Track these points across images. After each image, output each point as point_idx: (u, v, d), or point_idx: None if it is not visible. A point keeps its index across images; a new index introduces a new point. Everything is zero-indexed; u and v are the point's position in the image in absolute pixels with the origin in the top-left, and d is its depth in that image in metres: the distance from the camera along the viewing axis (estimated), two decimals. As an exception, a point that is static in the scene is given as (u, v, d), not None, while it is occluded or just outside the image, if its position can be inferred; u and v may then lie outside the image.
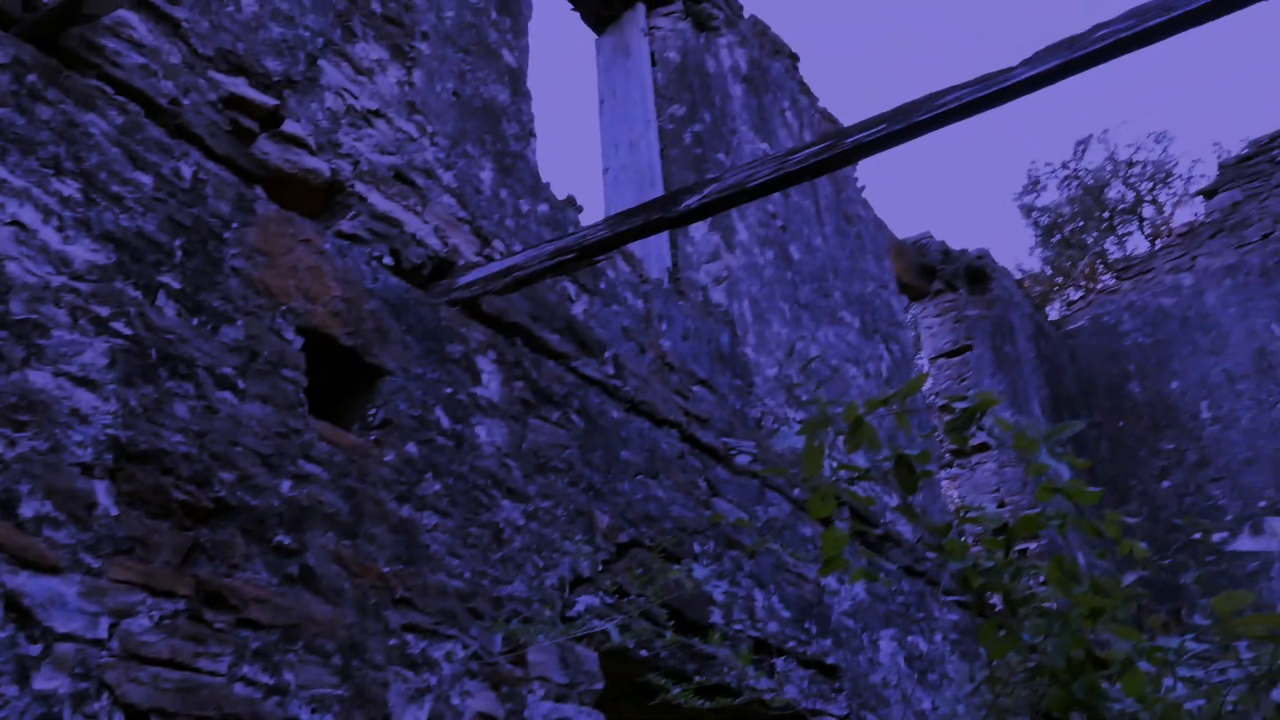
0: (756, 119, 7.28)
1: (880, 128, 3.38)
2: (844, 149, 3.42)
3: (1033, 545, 8.29)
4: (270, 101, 3.47)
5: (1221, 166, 11.70)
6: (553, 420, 4.09)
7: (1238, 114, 33.60)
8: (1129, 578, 2.29)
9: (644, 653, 3.88)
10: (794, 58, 8.28)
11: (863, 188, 8.43)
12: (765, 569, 4.95)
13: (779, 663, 4.73)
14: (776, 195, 7.02)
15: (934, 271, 9.67)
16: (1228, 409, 10.34)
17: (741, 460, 5.18)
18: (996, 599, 2.39)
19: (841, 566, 2.40)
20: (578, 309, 4.69)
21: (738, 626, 4.55)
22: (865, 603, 5.67)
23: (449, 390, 3.66)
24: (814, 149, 3.45)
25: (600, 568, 3.97)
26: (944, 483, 12.21)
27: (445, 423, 3.58)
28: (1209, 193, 11.60)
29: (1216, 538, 9.14)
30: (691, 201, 3.59)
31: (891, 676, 5.49)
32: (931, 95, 3.35)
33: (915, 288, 9.81)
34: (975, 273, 9.77)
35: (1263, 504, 9.86)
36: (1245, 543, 8.72)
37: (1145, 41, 3.14)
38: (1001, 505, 8.85)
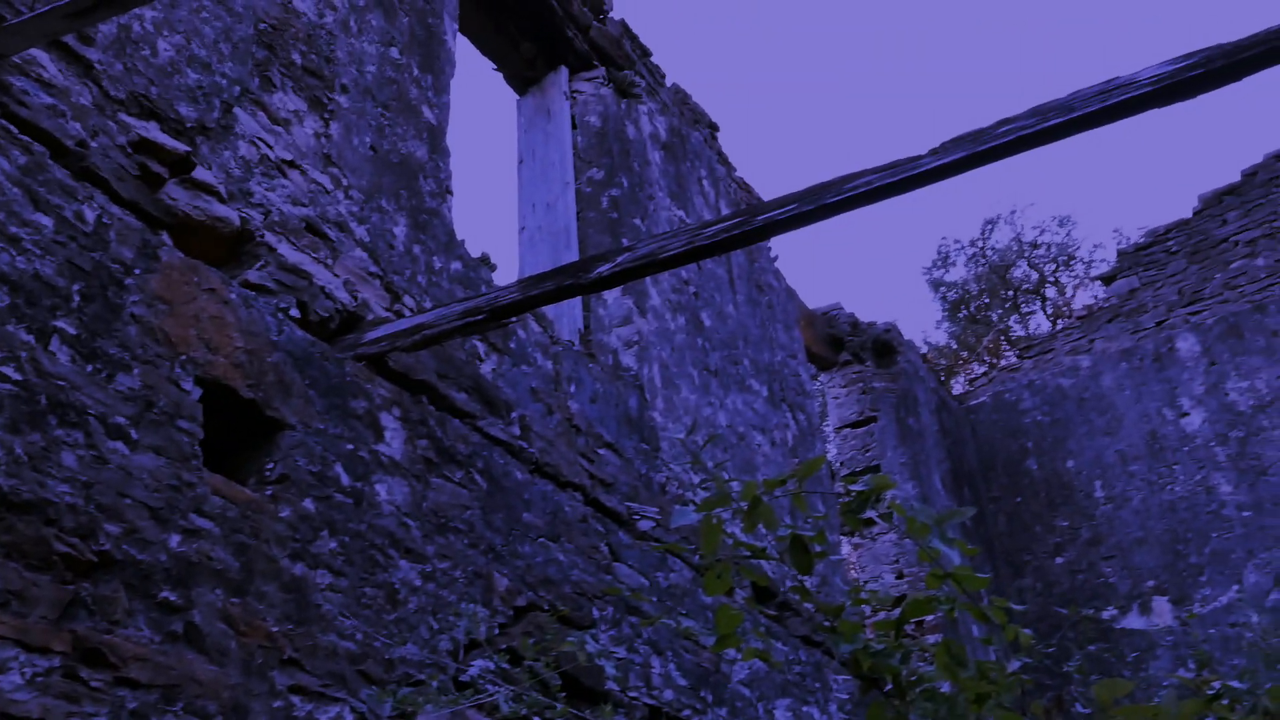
0: (674, 186, 7.37)
1: (791, 207, 3.45)
2: (755, 226, 3.48)
3: (933, 633, 8.39)
4: (182, 147, 3.43)
5: (1120, 254, 12.11)
6: (455, 480, 4.05)
7: (1140, 202, 34.84)
8: (1013, 664, 2.33)
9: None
10: (714, 127, 8.41)
11: (775, 257, 8.56)
12: (664, 635, 4.94)
13: (673, 732, 4.70)
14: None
15: (842, 343, 9.83)
16: (1120, 489, 10.62)
17: (644, 526, 5.18)
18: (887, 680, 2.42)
19: (735, 644, 2.41)
20: (486, 368, 4.68)
21: (633, 694, 4.53)
22: (762, 672, 5.68)
23: (350, 446, 3.61)
24: (725, 224, 3.50)
25: (497, 631, 3.93)
26: (846, 549, 12.33)
27: (345, 479, 3.53)
28: (1108, 278, 11.98)
29: (1106, 615, 9.42)
30: (604, 269, 3.62)
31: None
32: (842, 178, 3.43)
33: (824, 358, 9.95)
34: (882, 345, 9.95)
35: (1151, 584, 10.12)
36: (1134, 621, 9.03)
37: (1045, 140, 3.26)
38: (900, 576, 8.96)
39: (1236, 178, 11.43)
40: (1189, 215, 11.65)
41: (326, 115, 4.21)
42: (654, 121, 7.41)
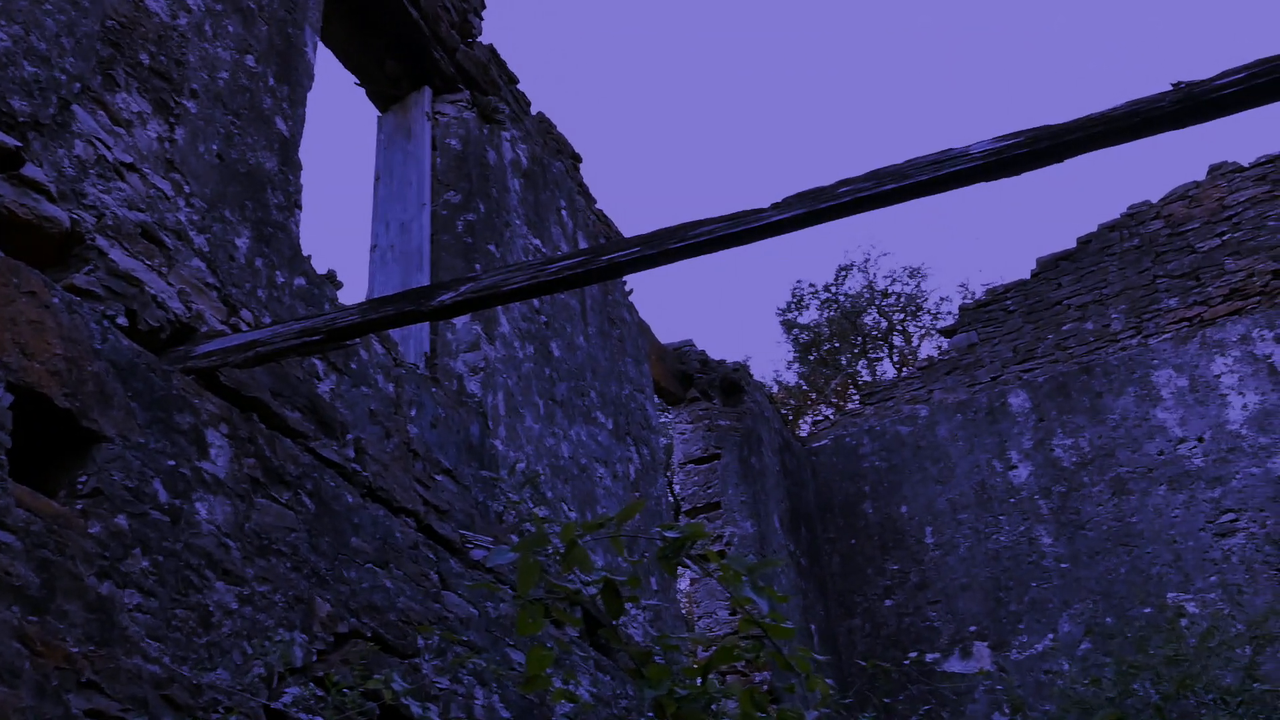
0: (532, 214, 7.39)
1: (635, 250, 3.50)
2: (598, 266, 3.51)
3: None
4: (12, 142, 3.30)
5: (962, 309, 12.57)
6: (282, 501, 3.97)
7: (990, 258, 36.20)
8: (811, 715, 2.39)
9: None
10: (576, 158, 8.47)
11: (630, 291, 8.64)
12: (491, 666, 4.91)
13: (492, 764, 4.67)
14: (544, 291, 7.10)
15: (692, 379, 9.96)
16: (949, 536, 10.98)
17: (478, 555, 5.15)
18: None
19: (544, 685, 2.42)
20: (324, 387, 4.60)
21: (453, 725, 4.48)
22: (587, 706, 5.68)
23: (171, 462, 3.51)
24: (569, 262, 3.53)
25: (315, 658, 3.85)
26: (684, 584, 12.44)
27: (163, 496, 3.43)
28: (949, 332, 12.42)
29: (930, 658, 9.71)
30: (446, 298, 3.61)
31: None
32: (686, 225, 3.49)
33: (673, 394, 10.07)
34: (730, 385, 10.11)
35: (973, 629, 10.48)
36: (955, 665, 9.32)
37: (881, 203, 3.38)
38: (734, 613, 9.08)
39: (1073, 244, 11.99)
40: (1028, 277, 12.17)
41: (172, 119, 4.10)
42: (516, 149, 7.42)
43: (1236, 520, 9.77)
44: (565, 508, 6.46)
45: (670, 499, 12.95)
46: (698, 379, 9.98)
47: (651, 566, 7.16)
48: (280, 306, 4.48)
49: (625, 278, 8.68)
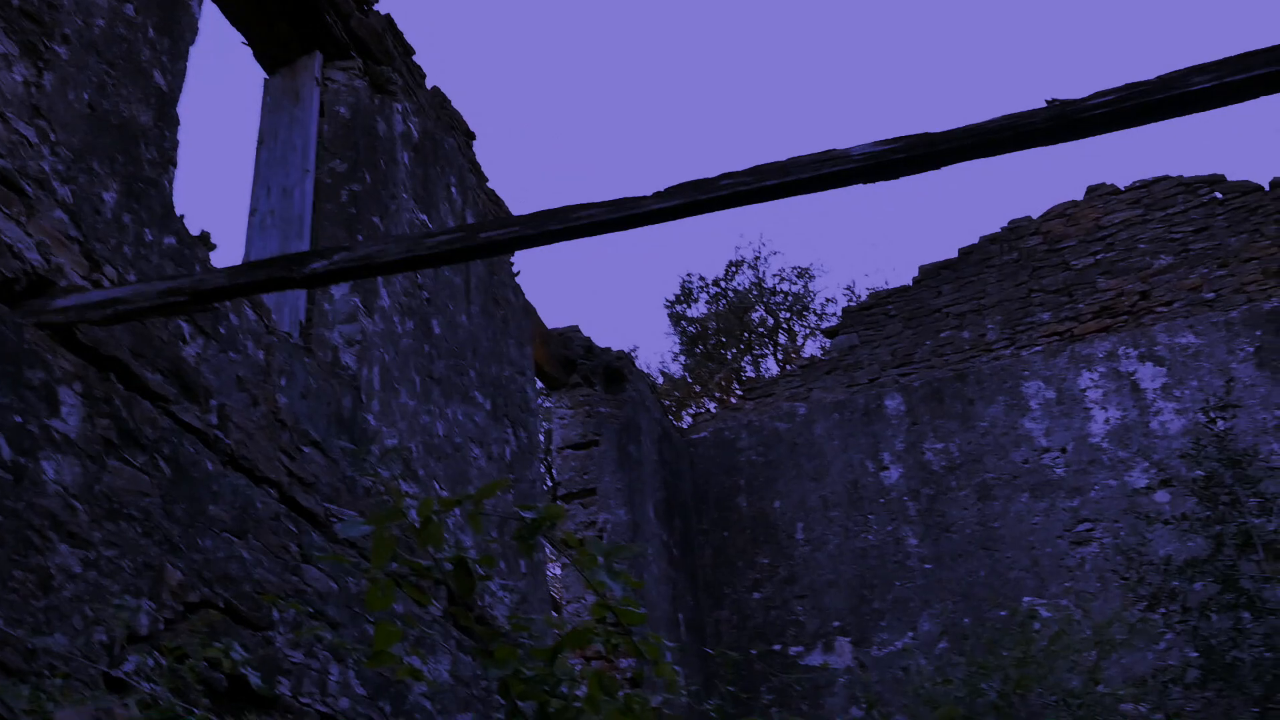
0: (420, 189, 7.29)
1: (514, 229, 3.48)
2: (476, 243, 3.48)
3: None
4: None
5: (845, 311, 12.79)
6: (136, 464, 3.85)
7: (877, 263, 36.84)
8: (656, 699, 2.41)
9: (193, 722, 3.67)
10: (469, 135, 8.37)
11: (517, 273, 8.59)
12: (348, 641, 4.84)
13: (344, 742, 4.60)
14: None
15: (575, 365, 9.94)
16: (819, 533, 11.17)
17: (340, 529, 5.07)
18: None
19: (391, 661, 2.39)
20: (190, 351, 4.48)
21: (305, 700, 4.40)
22: (447, 685, 5.64)
23: (18, 419, 3.37)
24: (447, 238, 3.49)
25: (163, 626, 3.74)
26: (555, 568, 12.43)
27: (6, 453, 3.29)
28: (831, 332, 12.63)
29: (794, 651, 9.84)
30: (318, 266, 3.54)
31: (461, 763, 5.46)
32: (567, 208, 3.48)
33: (555, 378, 10.04)
34: (612, 373, 10.13)
35: (836, 624, 10.68)
36: (817, 659, 9.47)
37: (761, 198, 3.42)
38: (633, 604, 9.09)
39: (955, 254, 12.28)
40: (910, 284, 12.42)
41: (41, 64, 3.94)
42: (408, 121, 7.31)
43: (1092, 530, 10.13)
44: (437, 486, 6.40)
45: (547, 483, 12.93)
46: (581, 365, 9.97)
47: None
48: (147, 265, 4.35)
49: (513, 259, 8.63)
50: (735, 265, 21.80)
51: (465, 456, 6.88)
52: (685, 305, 21.92)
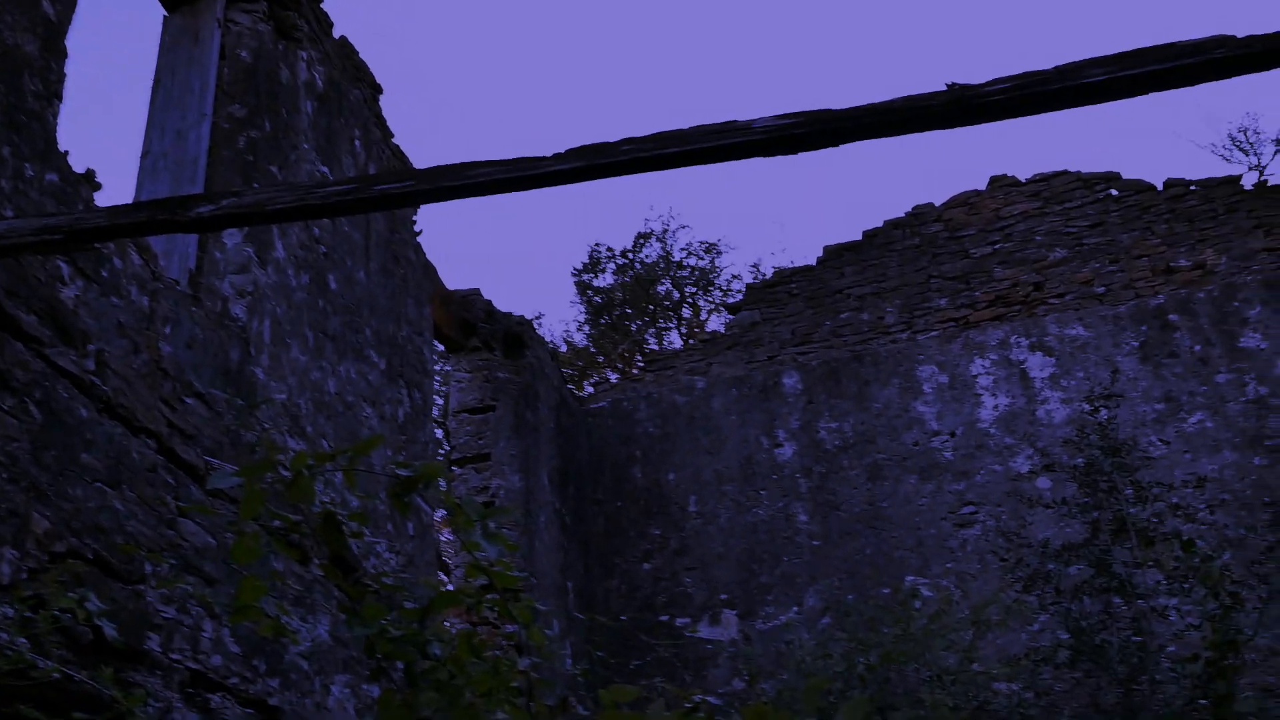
0: (323, 140, 7.13)
1: (409, 183, 3.41)
2: (370, 195, 3.40)
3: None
4: None
5: (749, 288, 12.86)
6: (4, 408, 3.71)
7: (786, 241, 37.16)
8: (524, 662, 2.39)
9: (56, 676, 3.56)
10: (376, 88, 8.21)
11: (419, 231, 8.46)
12: (224, 598, 4.74)
13: (215, 699, 4.52)
14: (325, 220, 6.88)
15: (475, 329, 9.84)
16: (712, 506, 11.26)
17: (210, 480, 4.95)
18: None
19: (255, 616, 2.34)
20: (69, 293, 4.33)
21: (175, 657, 4.31)
22: (326, 645, 5.56)
23: (-124, 354, 3.22)
24: (339, 189, 3.41)
25: (25, 576, 3.62)
26: (448, 533, 12.35)
27: None
28: (734, 308, 12.70)
29: (680, 622, 9.90)
30: (204, 210, 3.43)
31: (336, 724, 5.40)
32: (464, 164, 3.42)
33: (454, 341, 9.93)
34: (513, 338, 10.05)
35: (724, 597, 10.80)
36: (703, 631, 9.53)
37: (661, 165, 3.40)
38: (493, 564, 9.05)
39: (859, 237, 12.42)
40: (814, 264, 12.53)
41: (-84, -18, 3.75)
42: (313, 70, 7.14)
43: (976, 513, 10.37)
44: (326, 444, 6.30)
45: (444, 447, 12.82)
46: (481, 329, 9.87)
47: (412, 510, 7.06)
48: (26, 201, 4.18)
49: (415, 218, 8.50)
50: (644, 237, 21.79)
51: (357, 415, 6.77)
52: (592, 275, 21.88)
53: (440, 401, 14.95)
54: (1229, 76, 3.04)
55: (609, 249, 21.72)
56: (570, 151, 3.41)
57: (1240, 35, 3.19)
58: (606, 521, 11.52)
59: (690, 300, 21.35)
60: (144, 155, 6.06)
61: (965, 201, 12.20)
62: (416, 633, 2.25)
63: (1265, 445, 9.88)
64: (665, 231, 22.02)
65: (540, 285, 38.81)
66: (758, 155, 3.37)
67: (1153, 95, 3.21)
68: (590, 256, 21.80)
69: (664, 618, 10.78)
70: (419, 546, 7.17)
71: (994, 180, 12.21)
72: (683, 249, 21.70)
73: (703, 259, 21.68)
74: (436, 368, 14.33)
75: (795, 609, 10.50)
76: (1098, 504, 8.10)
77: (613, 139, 3.49)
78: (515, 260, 39.36)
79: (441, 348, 10.57)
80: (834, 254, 12.40)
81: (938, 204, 12.31)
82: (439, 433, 14.56)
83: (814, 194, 39.05)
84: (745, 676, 9.78)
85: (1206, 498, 8.85)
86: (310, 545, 3.05)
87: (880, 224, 12.44)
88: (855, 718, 1.96)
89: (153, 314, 4.88)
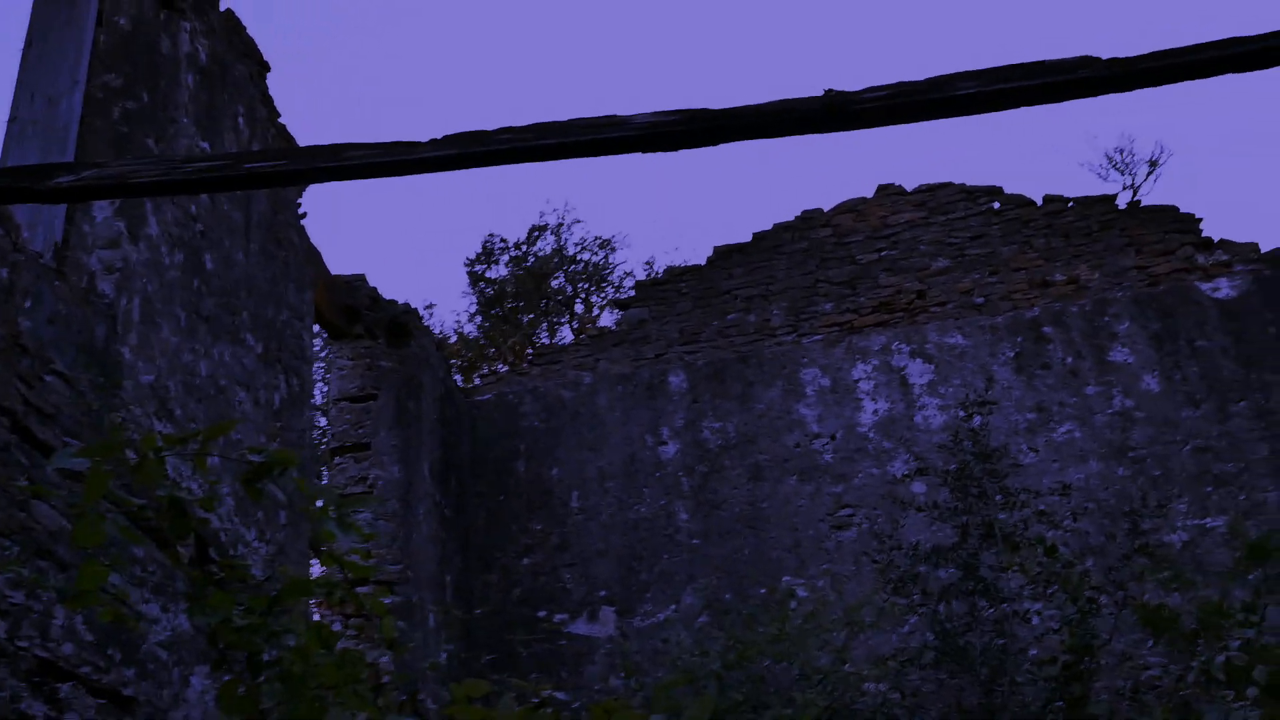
0: (204, 116, 6.94)
1: (281, 163, 3.34)
2: (239, 173, 3.32)
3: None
4: None
5: (639, 285, 12.89)
6: None
7: (682, 240, 37.33)
8: (381, 659, 2.35)
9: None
10: (264, 66, 8.03)
11: (304, 215, 8.29)
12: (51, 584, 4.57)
13: (64, 689, 4.36)
14: (204, 198, 6.71)
15: (359, 315, 9.68)
16: (594, 502, 11.26)
17: (81, 466, 4.78)
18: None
19: (93, 602, 2.26)
20: (-81, 261, 4.14)
21: (23, 644, 4.14)
22: (187, 634, 5.42)
23: None
24: (208, 164, 3.32)
25: None
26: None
27: None
28: (623, 305, 12.71)
29: (558, 619, 9.85)
30: (64, 180, 3.30)
31: (196, 715, 5.26)
32: (338, 146, 3.36)
33: (337, 327, 9.76)
34: (398, 327, 9.91)
35: (603, 594, 10.80)
36: (581, 627, 9.53)
37: (538, 156, 3.37)
38: (368, 556, 8.93)
39: (749, 238, 12.53)
40: (704, 264, 12.61)
41: None
42: (196, 42, 6.94)
43: (853, 516, 10.54)
44: (194, 428, 6.12)
45: (322, 435, 12.60)
46: (365, 316, 9.72)
47: (289, 498, 6.92)
48: (-125, 163, 3.98)
49: (301, 200, 8.33)
50: (539, 230, 21.71)
51: (229, 400, 6.61)
52: (485, 266, 21.71)
53: (325, 389, 14.69)
54: (1091, 96, 3.13)
55: (503, 240, 21.58)
56: (446, 138, 3.37)
57: (1104, 58, 3.29)
58: (488, 515, 11.44)
59: (583, 296, 21.33)
60: (11, 120, 5.83)
61: (853, 208, 12.40)
62: (264, 622, 2.20)
63: (1129, 457, 10.25)
64: (560, 225, 21.96)
65: (434, 275, 38.39)
66: (635, 151, 3.37)
67: (1042, 113, 3.30)
68: (484, 247, 21.62)
69: (542, 613, 10.74)
70: (291, 535, 7.02)
71: (881, 188, 12.43)
72: (577, 244, 21.67)
73: (597, 254, 21.68)
74: (322, 355, 14.09)
75: (673, 607, 10.55)
76: (968, 509, 8.30)
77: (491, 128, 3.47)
78: (410, 249, 38.88)
79: (325, 334, 10.38)
80: (723, 255, 12.50)
81: (827, 210, 12.48)
82: (323, 420, 14.29)
83: (712, 194, 39.32)
84: (622, 674, 9.80)
85: (1071, 505, 9.13)
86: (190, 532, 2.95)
87: (770, 227, 12.57)
88: (701, 716, 1.97)
89: (12, 287, 4.69)
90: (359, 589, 6.68)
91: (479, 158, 3.31)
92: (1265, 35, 3.39)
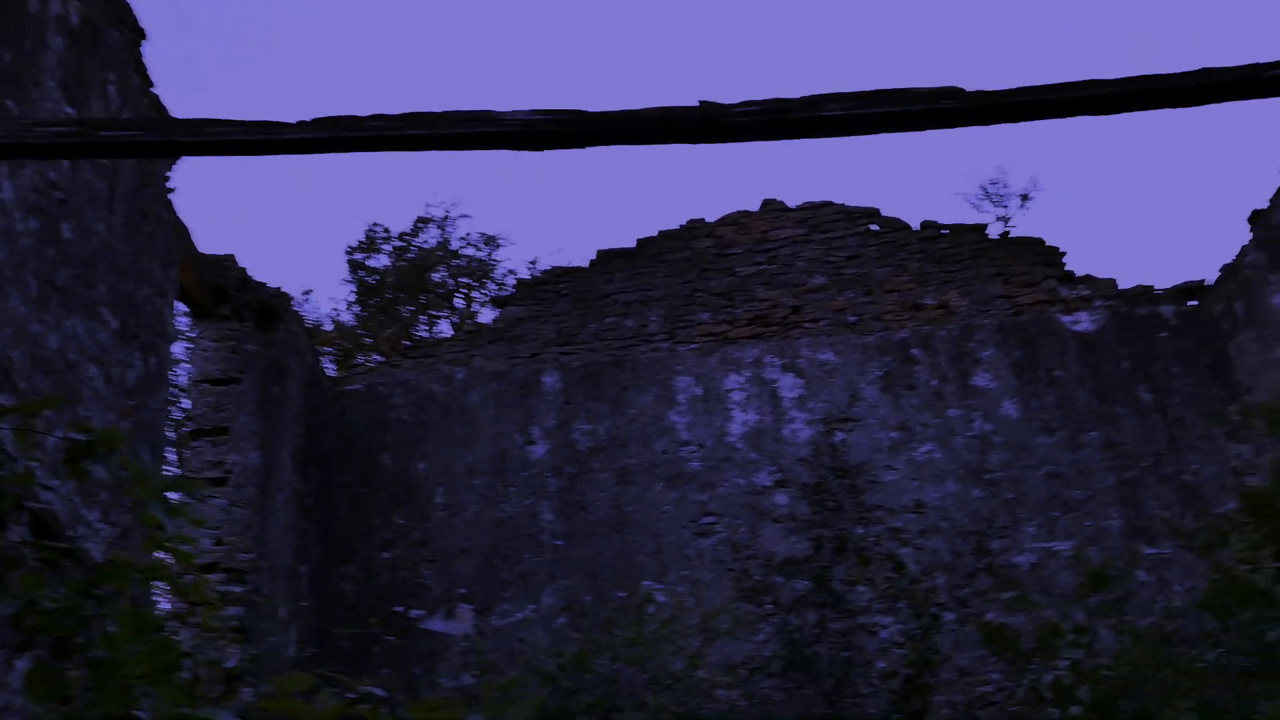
0: (73, 81, 6.69)
1: (138, 132, 3.23)
2: (94, 140, 3.21)
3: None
4: None
5: (519, 283, 12.84)
6: None
7: (570, 241, 37.30)
8: (234, 653, 2.28)
9: None
10: (140, 33, 7.77)
11: (174, 189, 8.05)
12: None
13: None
14: (66, 164, 6.46)
15: (227, 296, 9.43)
16: (460, 499, 11.15)
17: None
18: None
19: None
20: None
21: None
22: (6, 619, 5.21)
23: None
24: (61, 129, 3.21)
25: None
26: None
27: None
28: (501, 302, 12.64)
29: (415, 614, 9.73)
30: (-98, 136, 3.15)
31: (18, 701, 5.06)
32: (200, 120, 3.27)
33: (205, 307, 9.50)
34: (266, 309, 9.69)
35: (463, 591, 10.70)
36: (437, 624, 9.43)
37: (407, 146, 3.32)
38: (220, 544, 8.71)
39: (634, 244, 12.57)
40: (586, 266, 12.61)
41: None
42: (66, 4, 6.69)
43: (715, 523, 10.64)
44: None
45: (188, 417, 12.24)
46: (234, 297, 9.47)
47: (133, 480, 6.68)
48: None
49: (170, 175, 8.08)
50: (424, 222, 21.43)
51: (79, 375, 6.38)
52: (367, 255, 21.35)
53: (192, 370, 14.26)
54: (952, 126, 3.21)
55: (386, 230, 21.25)
56: (316, 121, 3.31)
57: (969, 90, 3.38)
58: (351, 507, 11.25)
59: (464, 291, 21.11)
60: None
61: (737, 221, 12.54)
62: (77, 606, 2.12)
63: (984, 479, 10.56)
64: (445, 218, 21.71)
65: (319, 262, 37.60)
66: (505, 148, 3.35)
67: (929, 141, 3.37)
68: (367, 236, 21.25)
69: (399, 608, 10.61)
70: (136, 518, 6.80)
71: (766, 203, 12.60)
72: (462, 238, 21.44)
73: (482, 251, 21.49)
74: (179, 332, 13.68)
75: (533, 607, 10.51)
76: (823, 522, 8.45)
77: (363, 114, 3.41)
78: (296, 235, 38.04)
79: (191, 314, 10.08)
80: (606, 258, 12.52)
81: (710, 220, 12.59)
82: (188, 403, 13.89)
83: (604, 199, 39.34)
84: (476, 672, 9.73)
85: (926, 523, 9.37)
86: (7, 510, 2.83)
87: (655, 234, 12.63)
88: (524, 717, 1.96)
89: None
90: (206, 576, 6.54)
91: (348, 143, 3.25)
92: (1121, 80, 3.53)
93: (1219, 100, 3.61)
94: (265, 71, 41.21)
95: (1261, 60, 3.57)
